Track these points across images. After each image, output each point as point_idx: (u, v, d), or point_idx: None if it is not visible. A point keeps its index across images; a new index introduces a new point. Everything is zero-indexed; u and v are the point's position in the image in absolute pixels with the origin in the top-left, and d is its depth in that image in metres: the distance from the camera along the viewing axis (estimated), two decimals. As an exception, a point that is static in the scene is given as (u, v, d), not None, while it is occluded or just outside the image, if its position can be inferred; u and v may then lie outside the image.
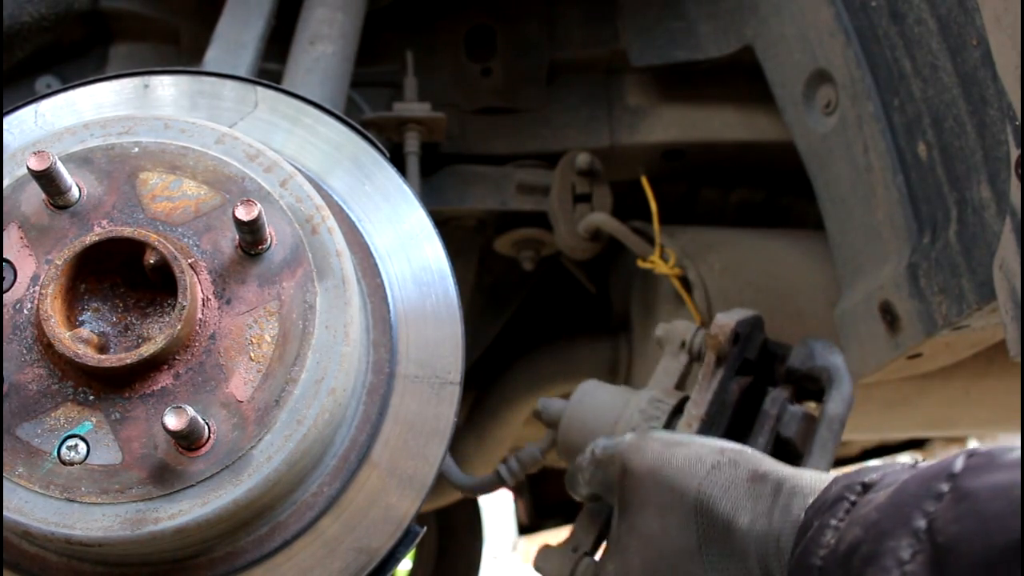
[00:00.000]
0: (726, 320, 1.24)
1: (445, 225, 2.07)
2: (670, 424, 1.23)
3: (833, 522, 0.77)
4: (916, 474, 0.73)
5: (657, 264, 1.93)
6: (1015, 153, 1.10)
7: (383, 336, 1.13)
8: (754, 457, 0.95)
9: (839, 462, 4.07)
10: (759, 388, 1.26)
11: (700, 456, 0.96)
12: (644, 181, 1.94)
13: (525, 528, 3.86)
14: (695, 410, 1.20)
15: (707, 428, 1.19)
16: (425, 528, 1.12)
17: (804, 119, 1.62)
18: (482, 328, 2.38)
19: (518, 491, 3.66)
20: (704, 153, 2.12)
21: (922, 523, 0.67)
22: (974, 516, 0.64)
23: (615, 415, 1.26)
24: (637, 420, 1.24)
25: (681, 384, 1.31)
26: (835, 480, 0.83)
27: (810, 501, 0.84)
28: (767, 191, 2.28)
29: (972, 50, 1.28)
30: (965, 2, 1.29)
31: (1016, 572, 0.58)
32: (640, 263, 1.98)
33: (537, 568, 1.21)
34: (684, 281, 1.94)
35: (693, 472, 0.94)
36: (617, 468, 1.02)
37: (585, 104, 2.09)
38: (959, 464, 0.70)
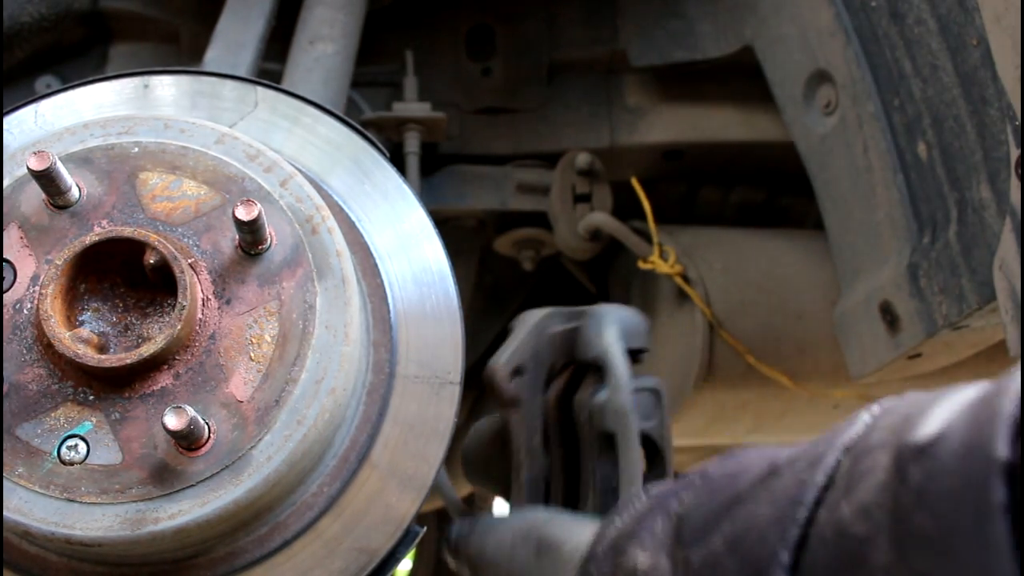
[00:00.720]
0: (494, 366, 1.22)
1: (445, 225, 2.07)
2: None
3: (617, 520, 0.84)
4: (683, 477, 0.83)
5: (658, 264, 1.93)
6: (1015, 153, 1.10)
7: (383, 336, 1.13)
8: (540, 524, 1.02)
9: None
10: (584, 370, 1.23)
11: (502, 542, 1.06)
12: (635, 182, 1.94)
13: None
14: (517, 476, 1.20)
15: (535, 484, 1.19)
16: (425, 528, 1.12)
17: (804, 119, 1.62)
18: (482, 328, 2.38)
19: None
20: (704, 153, 2.12)
21: (675, 505, 0.77)
22: (706, 489, 0.74)
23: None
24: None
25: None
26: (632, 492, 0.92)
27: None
28: (767, 191, 2.28)
29: (972, 50, 1.28)
30: (965, 2, 1.29)
31: (738, 515, 0.67)
32: (641, 264, 1.98)
33: None
34: (680, 291, 1.94)
35: (498, 562, 1.05)
36: (453, 557, 1.13)
37: (585, 104, 2.10)
38: (712, 463, 0.79)
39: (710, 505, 0.71)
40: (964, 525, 0.51)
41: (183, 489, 0.95)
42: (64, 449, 0.95)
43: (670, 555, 0.71)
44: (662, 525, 0.75)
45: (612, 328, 1.17)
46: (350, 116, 1.27)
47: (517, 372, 1.20)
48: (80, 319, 1.00)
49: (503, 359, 1.20)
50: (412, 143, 1.86)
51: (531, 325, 1.22)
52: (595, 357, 1.17)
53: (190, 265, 0.98)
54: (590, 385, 1.20)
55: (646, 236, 2.03)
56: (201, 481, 0.95)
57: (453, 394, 1.14)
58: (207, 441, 0.95)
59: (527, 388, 1.20)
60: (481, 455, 1.29)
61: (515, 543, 1.01)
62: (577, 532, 0.95)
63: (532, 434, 1.19)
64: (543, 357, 1.22)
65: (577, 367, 1.23)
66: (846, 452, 0.63)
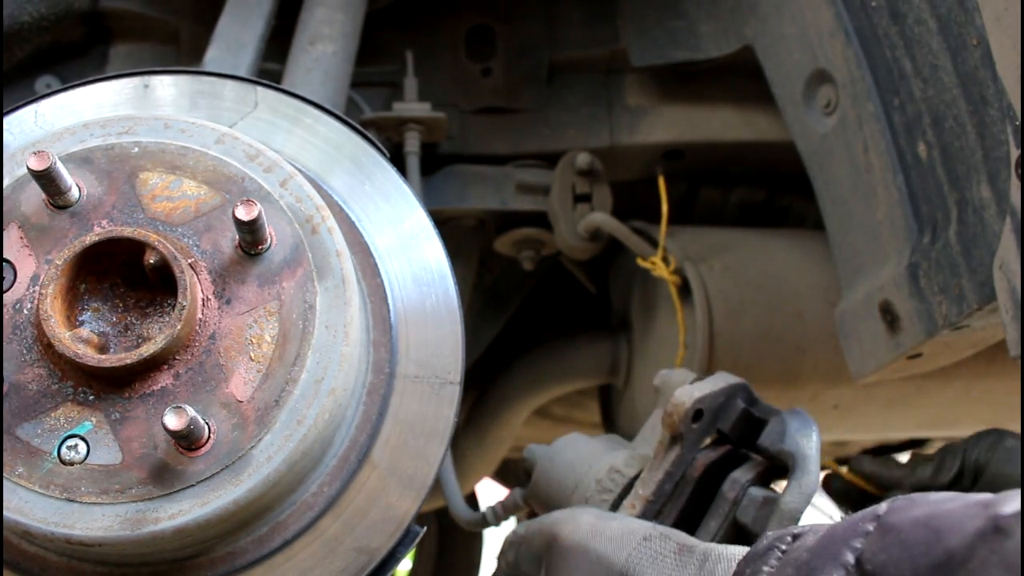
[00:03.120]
0: (683, 398, 1.19)
1: (445, 225, 2.07)
2: (620, 500, 1.20)
3: (766, 568, 0.79)
4: (844, 519, 0.77)
5: (657, 266, 1.93)
6: (1015, 153, 1.10)
7: (383, 336, 1.13)
8: (684, 535, 0.97)
9: (839, 462, 4.06)
10: (739, 457, 1.23)
11: (632, 528, 0.98)
12: (661, 182, 1.94)
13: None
14: (642, 490, 1.17)
15: (654, 508, 1.16)
16: (425, 528, 1.12)
17: (804, 119, 1.62)
18: (482, 328, 2.38)
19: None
20: (704, 153, 2.12)
21: (850, 557, 0.70)
22: (898, 545, 0.67)
23: (576, 480, 1.24)
24: (592, 491, 1.22)
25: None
26: (765, 535, 0.86)
27: (735, 566, 0.86)
28: (767, 191, 2.28)
29: (972, 50, 1.28)
30: (965, 2, 1.29)
31: None
32: (640, 262, 1.98)
33: None
34: (680, 288, 1.94)
35: (623, 543, 0.96)
36: (544, 540, 1.03)
37: (585, 104, 2.09)
38: (883, 507, 0.73)
39: (911, 564, 0.65)
40: None
41: (183, 489, 0.95)
42: (64, 449, 0.95)
43: None
44: None
45: (815, 438, 1.18)
46: (350, 116, 1.27)
47: (698, 415, 1.19)
48: (80, 319, 1.00)
49: (695, 395, 1.19)
50: (412, 143, 1.86)
51: (726, 384, 1.21)
52: (786, 453, 1.17)
53: (190, 265, 0.99)
54: (752, 471, 1.20)
55: (646, 236, 2.03)
56: (201, 481, 0.95)
57: (453, 394, 1.14)
58: (207, 441, 0.96)
59: (693, 434, 1.19)
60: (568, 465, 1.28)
61: (650, 535, 0.96)
62: (717, 551, 0.90)
63: (667, 479, 1.17)
64: (719, 418, 1.21)
65: (736, 447, 1.22)
66: None
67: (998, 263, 1.15)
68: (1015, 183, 1.10)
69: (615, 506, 1.20)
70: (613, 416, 2.47)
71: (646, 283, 2.19)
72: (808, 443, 1.16)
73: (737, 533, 1.17)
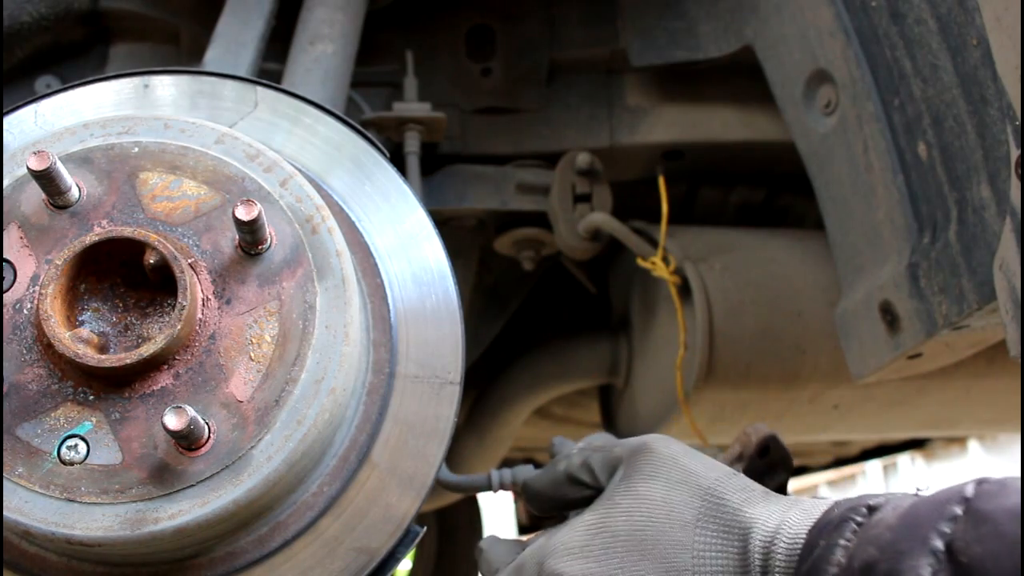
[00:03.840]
0: (763, 426, 1.23)
1: (445, 225, 2.07)
2: None
3: (842, 541, 0.77)
4: (926, 497, 0.74)
5: (657, 266, 1.93)
6: (1015, 153, 1.10)
7: (383, 336, 1.13)
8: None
9: (839, 462, 4.06)
10: None
11: (720, 465, 0.97)
12: (662, 182, 1.94)
13: (525, 528, 3.87)
14: None
15: None
16: (425, 528, 1.12)
17: (804, 119, 1.62)
18: (482, 328, 2.38)
19: (518, 493, 3.65)
20: (704, 153, 2.12)
21: (939, 543, 0.68)
22: (997, 538, 0.65)
23: None
24: None
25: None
26: (836, 503, 0.84)
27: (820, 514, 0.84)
28: (767, 191, 2.28)
29: (972, 50, 1.28)
30: (965, 2, 1.29)
31: None
32: (640, 262, 1.98)
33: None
34: (680, 288, 1.94)
35: (714, 468, 0.95)
36: (630, 448, 1.00)
37: (585, 104, 2.09)
38: (971, 489, 0.71)
39: (1012, 562, 0.62)
40: None
41: (183, 489, 0.95)
42: (64, 449, 0.95)
43: None
44: (931, 570, 0.67)
45: None
46: (350, 116, 1.27)
47: (764, 452, 1.22)
48: (80, 319, 1.00)
49: (772, 432, 1.22)
50: (412, 143, 1.86)
51: (787, 452, 1.24)
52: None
53: (190, 265, 0.98)
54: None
55: (646, 236, 2.03)
56: (201, 481, 0.95)
57: (453, 394, 1.14)
58: (207, 441, 0.95)
59: (754, 463, 1.22)
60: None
61: (738, 473, 0.94)
62: (803, 501, 0.88)
63: None
64: (767, 474, 1.24)
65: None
66: None
67: (998, 263, 1.15)
68: (1015, 183, 1.10)
69: None
70: (613, 416, 2.47)
71: (646, 283, 2.19)
72: None
73: None
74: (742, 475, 0.94)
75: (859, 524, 0.77)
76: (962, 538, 0.67)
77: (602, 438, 1.11)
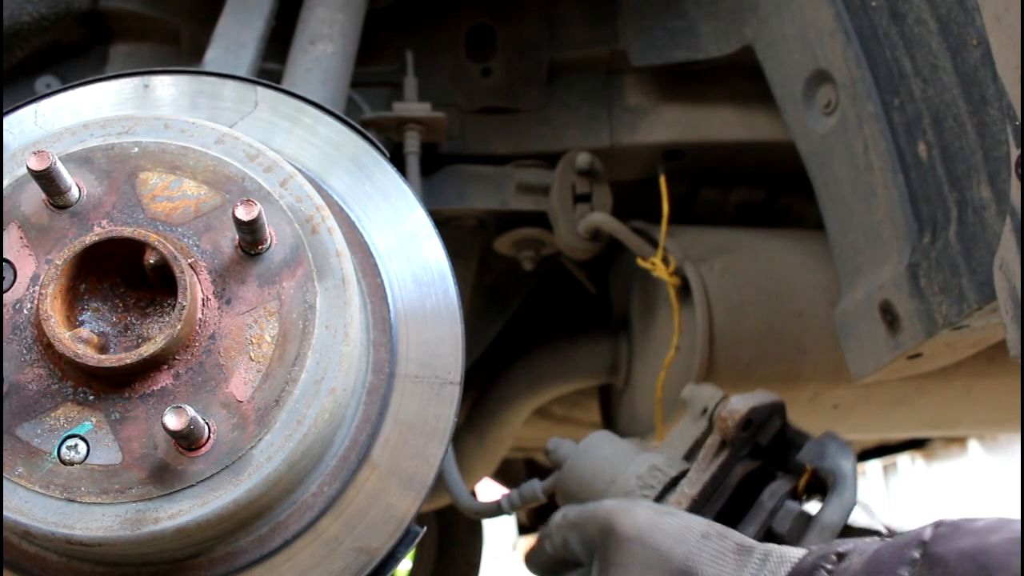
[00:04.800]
0: (739, 405, 1.23)
1: (445, 225, 2.07)
2: (662, 497, 1.22)
3: None
4: (888, 543, 0.78)
5: (657, 267, 1.93)
6: (1015, 153, 1.10)
7: (383, 336, 1.13)
8: (740, 536, 0.97)
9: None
10: (768, 473, 1.25)
11: (690, 525, 0.98)
12: (662, 182, 1.94)
13: (525, 528, 3.87)
14: (688, 489, 1.19)
15: (698, 508, 1.18)
16: (425, 528, 1.12)
17: (804, 119, 1.62)
18: (482, 328, 2.38)
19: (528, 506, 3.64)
20: (704, 153, 2.11)
21: None
22: (940, 574, 0.69)
23: (613, 475, 1.26)
24: (633, 486, 1.23)
25: (692, 452, 1.30)
26: (809, 552, 0.86)
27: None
28: (767, 191, 2.28)
29: (972, 50, 1.28)
30: (965, 2, 1.29)
31: None
32: (640, 262, 1.98)
33: None
34: (679, 290, 1.94)
35: (683, 538, 0.95)
36: (599, 528, 1.02)
37: (585, 104, 2.09)
38: (928, 533, 0.75)
39: None
40: None
41: (183, 489, 0.95)
42: (64, 449, 0.95)
43: None
44: None
45: (854, 459, 1.23)
46: (350, 116, 1.27)
47: (747, 424, 1.22)
48: (80, 319, 1.00)
49: (750, 404, 1.22)
50: (412, 143, 1.86)
51: (771, 400, 1.24)
52: (827, 471, 1.21)
53: (190, 265, 0.98)
54: (787, 485, 1.23)
55: (646, 236, 2.02)
56: (201, 481, 0.95)
57: (453, 394, 1.14)
58: (207, 441, 0.95)
59: (740, 442, 1.21)
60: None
61: (708, 533, 0.95)
62: (776, 552, 0.90)
63: (712, 481, 1.20)
64: (760, 432, 1.24)
65: (767, 463, 1.25)
66: None
67: (998, 263, 1.15)
68: (1015, 183, 1.10)
69: (660, 499, 1.22)
70: (613, 416, 2.47)
71: (646, 283, 2.19)
72: (848, 463, 1.22)
73: (770, 542, 1.19)
74: (711, 535, 0.95)
75: (828, 572, 0.80)
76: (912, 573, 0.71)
77: (575, 510, 1.11)
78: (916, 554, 0.73)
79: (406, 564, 3.89)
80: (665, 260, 1.93)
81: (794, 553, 0.88)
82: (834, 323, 1.59)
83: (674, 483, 1.24)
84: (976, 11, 1.26)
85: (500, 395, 2.46)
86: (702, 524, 0.98)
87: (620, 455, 1.28)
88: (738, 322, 1.93)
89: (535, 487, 1.38)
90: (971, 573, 0.67)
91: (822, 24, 1.54)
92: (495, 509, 1.44)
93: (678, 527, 0.97)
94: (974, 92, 1.29)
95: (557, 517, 1.10)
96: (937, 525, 0.75)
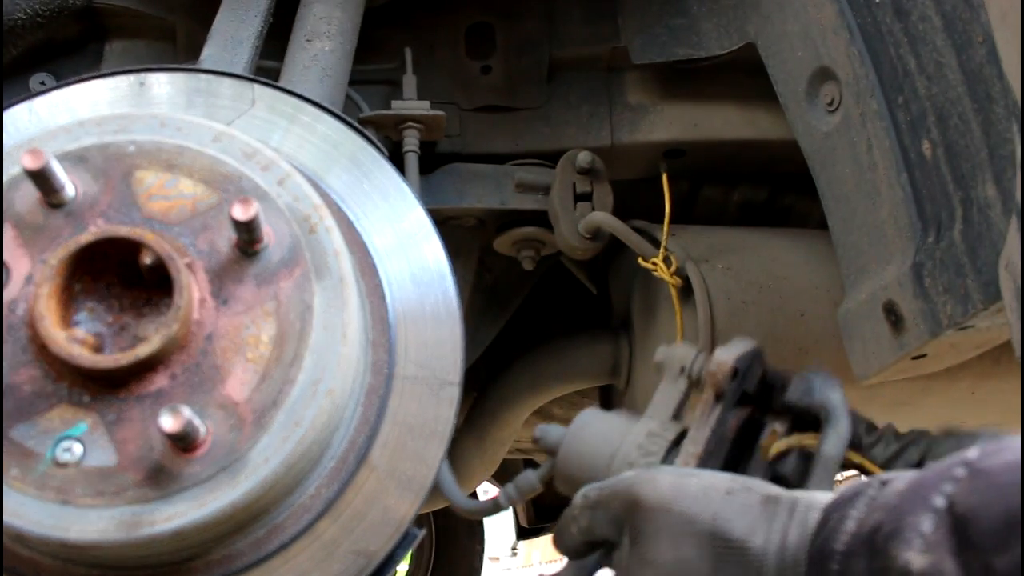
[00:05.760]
0: (725, 357, 1.22)
1: (444, 224, 2.06)
2: (667, 459, 1.22)
3: (854, 512, 0.80)
4: (933, 465, 0.78)
5: (659, 267, 1.92)
6: (1020, 151, 1.09)
7: (382, 336, 1.12)
8: (766, 484, 0.96)
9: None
10: (756, 420, 1.25)
11: (713, 484, 0.96)
12: (664, 181, 1.93)
13: (525, 531, 3.86)
14: (692, 447, 1.19)
15: (704, 465, 1.18)
16: (424, 530, 1.11)
17: (807, 117, 1.61)
18: (482, 328, 2.37)
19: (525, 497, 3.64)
20: (706, 151, 2.10)
21: (942, 501, 0.71)
22: (990, 488, 0.69)
23: (612, 448, 1.25)
24: (634, 456, 1.23)
25: (679, 412, 1.30)
26: (851, 483, 0.85)
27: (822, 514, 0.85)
28: (769, 190, 2.27)
29: (977, 47, 1.27)
30: (970, -2, 1.28)
31: None
32: (641, 262, 1.97)
33: None
34: (681, 290, 1.93)
35: (708, 498, 0.95)
36: (623, 502, 1.01)
37: (586, 102, 2.08)
38: (974, 452, 0.75)
39: (1004, 505, 0.67)
40: None
41: (179, 491, 0.94)
42: (59, 451, 0.94)
43: (956, 558, 0.67)
44: (932, 524, 0.71)
45: (841, 390, 1.21)
46: (348, 114, 1.27)
47: (734, 375, 1.21)
48: (75, 319, 0.99)
49: (735, 354, 1.21)
50: (411, 141, 1.84)
51: (752, 347, 1.23)
52: (817, 406, 1.19)
53: (186, 265, 0.98)
54: (783, 424, 1.21)
55: (648, 235, 2.01)
56: (198, 483, 0.94)
57: (452, 395, 1.13)
58: (203, 443, 0.95)
59: (731, 393, 1.21)
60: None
61: (733, 489, 0.94)
62: (804, 499, 0.90)
63: (713, 436, 1.19)
64: (745, 379, 1.24)
65: (757, 407, 1.25)
66: None
67: (1003, 262, 1.14)
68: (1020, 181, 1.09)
69: (665, 462, 1.22)
70: (613, 417, 2.46)
71: (647, 283, 2.17)
72: (836, 395, 1.21)
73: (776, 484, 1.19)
74: (735, 490, 0.94)
75: (871, 496, 0.80)
76: (961, 492, 0.71)
77: (595, 489, 1.10)
78: (961, 471, 0.73)
79: (403, 566, 3.88)
80: (666, 260, 1.92)
81: (820, 499, 0.88)
82: (837, 323, 1.58)
83: (675, 445, 1.24)
84: (981, 7, 1.25)
85: (500, 396, 2.45)
86: (724, 480, 0.97)
87: (615, 429, 1.28)
88: (740, 322, 1.92)
89: (530, 477, 1.37)
90: (1014, 479, 0.68)
91: (825, 21, 1.53)
92: (492, 506, 1.42)
93: (701, 487, 0.96)
94: (979, 89, 1.28)
95: (578, 499, 1.09)
96: (984, 444, 0.76)
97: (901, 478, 0.80)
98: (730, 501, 0.93)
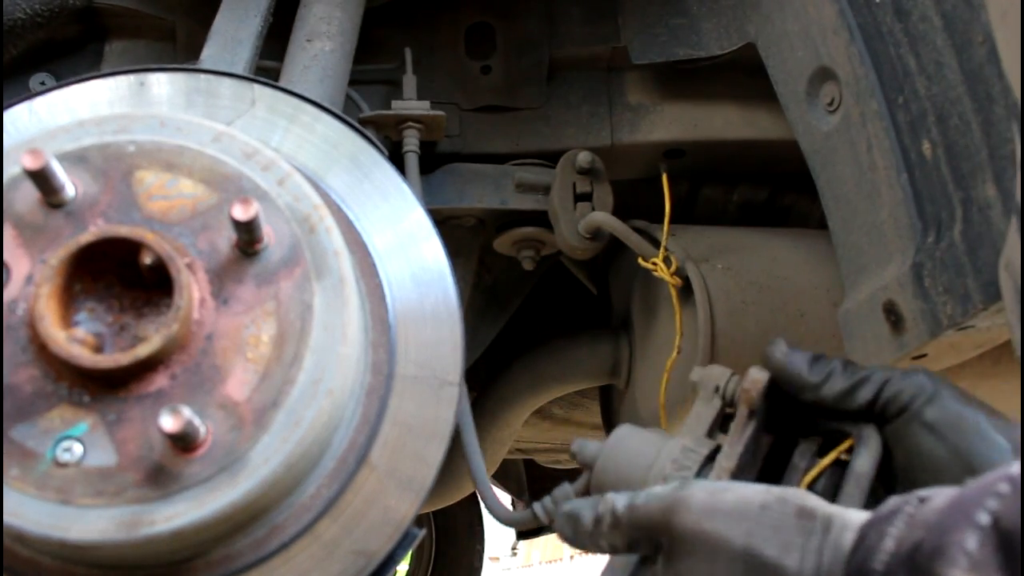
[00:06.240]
0: (760, 375, 1.24)
1: (444, 224, 2.06)
2: (700, 474, 1.23)
3: (892, 530, 0.78)
4: (974, 482, 0.76)
5: (659, 267, 1.92)
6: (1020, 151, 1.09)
7: (382, 336, 1.12)
8: (800, 494, 0.94)
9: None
10: (788, 439, 1.26)
11: (747, 498, 0.95)
12: (665, 181, 1.93)
13: (524, 533, 3.86)
14: (726, 462, 1.20)
15: (737, 479, 1.19)
16: (424, 530, 1.11)
17: (807, 117, 1.61)
18: (482, 328, 2.37)
19: (518, 494, 3.65)
20: (706, 151, 2.10)
21: (986, 517, 0.70)
22: None
23: (647, 462, 1.27)
24: (669, 470, 1.24)
25: (713, 430, 1.31)
26: (889, 499, 0.85)
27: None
28: (769, 190, 2.27)
29: (978, 47, 1.27)
30: (970, -2, 1.28)
31: None
32: (641, 262, 1.97)
33: None
34: (681, 290, 1.93)
35: (742, 515, 0.93)
36: (659, 524, 1.00)
37: (585, 102, 2.08)
38: (1016, 468, 0.73)
39: None
40: None
41: (179, 491, 0.94)
42: (59, 451, 0.94)
43: (1004, 575, 0.66)
44: (977, 541, 0.69)
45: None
46: (348, 114, 1.27)
47: (768, 391, 1.22)
48: (75, 319, 0.99)
49: (768, 373, 1.21)
50: (411, 141, 1.84)
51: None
52: (846, 424, 1.19)
53: (187, 265, 0.98)
54: (815, 442, 1.22)
55: (648, 235, 2.01)
56: (198, 483, 0.94)
57: (453, 395, 1.13)
58: (203, 443, 0.95)
59: (763, 410, 1.22)
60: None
61: (767, 503, 0.92)
62: (841, 518, 0.88)
63: (746, 451, 1.20)
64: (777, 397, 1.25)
65: (783, 428, 1.25)
66: None
67: (1003, 263, 1.14)
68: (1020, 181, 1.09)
69: (698, 476, 1.23)
70: (613, 417, 2.46)
71: (647, 283, 2.17)
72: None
73: None
74: (769, 504, 0.93)
75: (910, 514, 0.79)
76: (1006, 509, 0.69)
77: (627, 511, 1.09)
78: (1005, 487, 0.71)
79: (403, 566, 3.88)
80: (666, 260, 1.92)
81: (855, 517, 0.86)
82: (837, 323, 1.58)
83: (709, 460, 1.24)
84: (981, 8, 1.25)
85: (500, 396, 2.45)
86: (760, 493, 0.95)
87: (650, 444, 1.30)
88: (740, 322, 1.92)
89: (567, 490, 1.38)
90: None
91: (825, 21, 1.53)
92: (530, 518, 1.44)
93: (735, 502, 0.94)
94: (979, 90, 1.28)
95: (607, 517, 1.07)
96: None
97: (940, 494, 0.79)
98: (764, 516, 0.91)
